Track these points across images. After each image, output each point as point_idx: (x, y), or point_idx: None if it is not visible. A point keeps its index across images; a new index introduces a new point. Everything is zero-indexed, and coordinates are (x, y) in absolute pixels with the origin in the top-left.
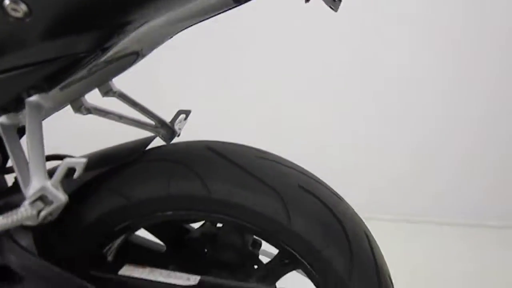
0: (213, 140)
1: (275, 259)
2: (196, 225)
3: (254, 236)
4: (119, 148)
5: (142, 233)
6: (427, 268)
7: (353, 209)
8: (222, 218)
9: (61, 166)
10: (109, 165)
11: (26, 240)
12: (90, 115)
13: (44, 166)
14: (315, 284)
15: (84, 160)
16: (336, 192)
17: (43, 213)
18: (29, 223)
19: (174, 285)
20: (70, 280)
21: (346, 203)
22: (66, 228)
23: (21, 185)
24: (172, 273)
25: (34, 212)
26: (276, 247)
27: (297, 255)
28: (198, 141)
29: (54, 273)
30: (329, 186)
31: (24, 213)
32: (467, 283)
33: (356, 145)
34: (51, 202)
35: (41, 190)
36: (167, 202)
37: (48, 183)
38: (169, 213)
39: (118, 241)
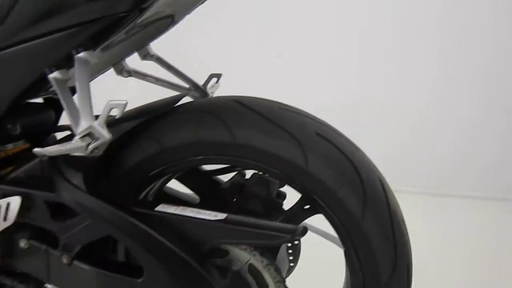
0: (239, 95)
1: (296, 205)
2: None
3: (280, 189)
4: (154, 103)
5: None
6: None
7: (369, 158)
8: (245, 162)
9: (105, 107)
10: (145, 117)
11: (77, 179)
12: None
13: (91, 109)
14: (333, 226)
15: (125, 101)
16: (353, 143)
17: (91, 147)
18: (79, 153)
19: (203, 219)
20: (116, 214)
21: (363, 153)
22: (110, 172)
23: (72, 126)
24: (202, 211)
25: (84, 144)
26: (296, 189)
27: (315, 196)
28: (226, 96)
29: (102, 207)
30: (346, 137)
31: (76, 144)
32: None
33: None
34: (97, 138)
35: (88, 128)
36: (197, 147)
37: (95, 123)
38: (199, 157)
39: (155, 188)
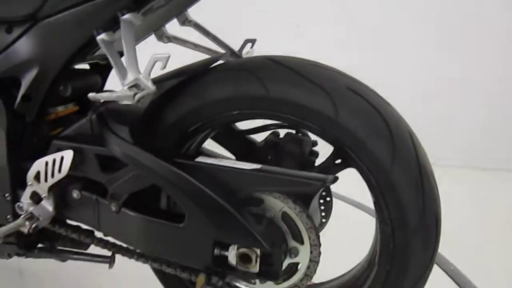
0: (265, 55)
1: (327, 160)
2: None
3: (312, 148)
4: (192, 65)
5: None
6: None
7: (399, 114)
8: (278, 115)
9: (150, 60)
10: (185, 76)
11: (124, 133)
12: None
13: (137, 64)
14: (363, 177)
15: (168, 54)
16: (384, 98)
17: (137, 96)
18: (127, 101)
19: (240, 168)
20: (160, 164)
21: (393, 108)
22: (153, 127)
23: (120, 80)
24: (238, 162)
25: (131, 93)
26: (328, 141)
27: (345, 147)
28: (259, 55)
29: (147, 158)
30: (377, 93)
31: (124, 92)
32: None
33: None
34: (143, 89)
35: (135, 80)
36: (233, 102)
37: (140, 75)
38: (235, 112)
39: (193, 145)
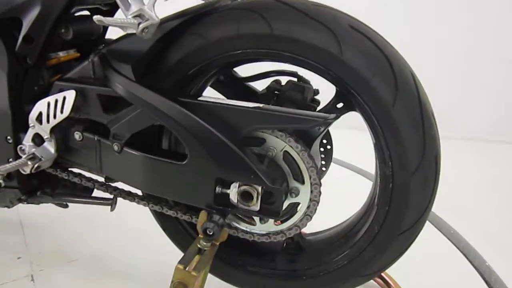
0: None
1: (329, 104)
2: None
3: (314, 97)
4: (194, 6)
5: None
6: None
7: (401, 55)
8: (282, 54)
9: None
10: (188, 16)
11: (126, 71)
12: None
13: None
14: (364, 118)
15: None
16: (385, 38)
17: (141, 25)
18: (131, 30)
19: (243, 106)
20: (163, 102)
21: (395, 49)
22: (156, 67)
23: (124, 12)
24: (240, 101)
25: (135, 21)
26: (330, 81)
27: (348, 86)
28: None
29: (151, 96)
30: (378, 33)
31: (129, 20)
32: None
33: None
34: (147, 19)
35: (139, 10)
36: (237, 41)
37: (145, 6)
38: (239, 51)
39: (196, 88)
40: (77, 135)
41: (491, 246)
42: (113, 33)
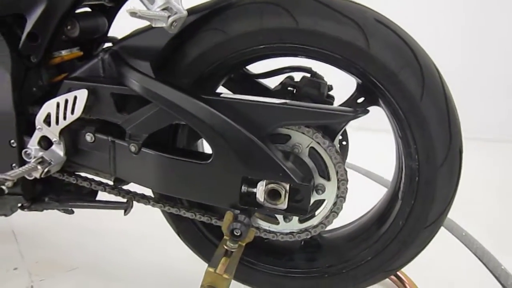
0: None
1: (349, 99)
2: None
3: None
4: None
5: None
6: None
7: (422, 47)
8: (307, 49)
9: None
10: (207, 11)
11: (145, 68)
12: None
13: None
14: (390, 112)
15: None
16: (407, 32)
17: (171, 18)
18: (160, 23)
19: (268, 102)
20: (186, 99)
21: (418, 42)
22: (175, 64)
23: (147, 6)
24: (264, 98)
25: (165, 14)
26: (355, 75)
27: (375, 80)
28: None
29: (173, 94)
30: (401, 27)
31: (159, 12)
32: None
33: None
34: (175, 13)
35: (166, 3)
36: (260, 35)
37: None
38: (262, 46)
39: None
40: (89, 137)
41: (505, 249)
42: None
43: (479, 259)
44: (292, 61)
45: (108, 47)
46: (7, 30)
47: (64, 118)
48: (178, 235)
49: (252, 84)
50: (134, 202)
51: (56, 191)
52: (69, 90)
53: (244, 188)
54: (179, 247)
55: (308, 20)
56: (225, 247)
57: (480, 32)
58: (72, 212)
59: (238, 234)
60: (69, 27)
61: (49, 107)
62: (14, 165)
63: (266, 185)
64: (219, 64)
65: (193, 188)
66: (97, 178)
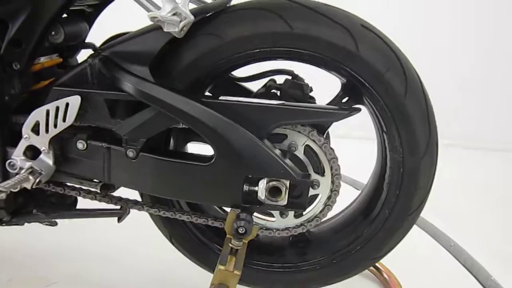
0: None
1: (335, 99)
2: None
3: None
4: (207, 5)
5: None
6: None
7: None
8: (300, 52)
9: None
10: (201, 16)
11: (144, 73)
12: None
13: None
14: (375, 110)
15: None
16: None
17: (181, 24)
18: (172, 29)
19: (267, 103)
20: (187, 103)
21: (398, 47)
22: (170, 68)
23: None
24: (259, 99)
25: (178, 19)
26: (344, 76)
27: (362, 80)
28: None
29: (173, 97)
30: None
31: (171, 17)
32: None
33: None
34: (184, 18)
35: (174, 8)
36: (255, 40)
37: (179, 5)
38: (256, 50)
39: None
40: (81, 144)
41: (495, 259)
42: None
43: (468, 270)
44: (273, 65)
45: (96, 53)
46: None
47: (55, 126)
48: (171, 239)
49: (234, 87)
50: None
51: (37, 203)
52: (58, 98)
53: (246, 187)
54: (166, 253)
55: (302, 25)
56: (230, 245)
57: (490, 41)
58: (56, 223)
59: (243, 231)
60: (53, 33)
61: (37, 115)
62: None
63: (267, 183)
64: (213, 68)
65: (195, 190)
66: (85, 187)
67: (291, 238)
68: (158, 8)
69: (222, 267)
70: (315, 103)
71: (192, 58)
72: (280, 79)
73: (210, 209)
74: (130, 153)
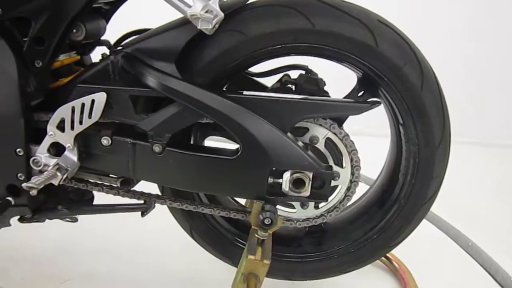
0: None
1: (351, 93)
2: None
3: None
4: (227, 2)
5: None
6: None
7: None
8: (321, 47)
9: None
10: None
11: (171, 69)
12: None
13: None
14: (394, 103)
15: None
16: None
17: (214, 21)
18: (206, 25)
19: (291, 98)
20: (214, 98)
21: (412, 41)
22: (193, 64)
23: (181, 10)
24: (281, 94)
25: (211, 16)
26: (363, 70)
27: (381, 73)
28: None
29: (200, 93)
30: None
31: (206, 14)
32: None
33: None
34: (215, 16)
35: (205, 6)
36: (277, 36)
37: (209, 2)
38: (278, 46)
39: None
40: (105, 140)
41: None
42: None
43: (486, 270)
44: (285, 60)
45: (117, 50)
46: (8, 34)
47: (80, 122)
48: (191, 233)
49: (250, 83)
50: None
51: (57, 199)
52: (82, 95)
53: (270, 179)
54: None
55: (323, 22)
56: (257, 236)
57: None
58: (77, 219)
59: (269, 222)
60: (74, 31)
61: (63, 112)
62: (20, 175)
63: (291, 175)
64: (235, 64)
65: (221, 182)
66: (107, 183)
67: (307, 229)
68: (188, 6)
69: (252, 257)
70: (329, 96)
71: (215, 55)
72: (293, 74)
73: (225, 201)
74: (157, 148)
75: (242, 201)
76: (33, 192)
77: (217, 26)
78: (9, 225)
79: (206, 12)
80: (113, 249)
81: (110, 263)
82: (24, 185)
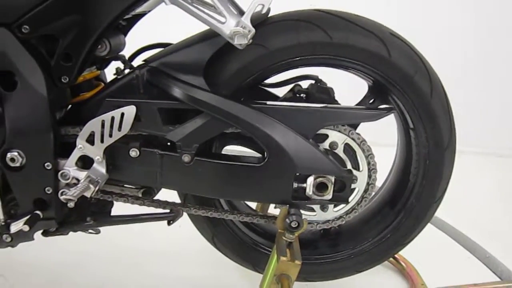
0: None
1: (362, 101)
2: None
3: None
4: None
5: None
6: None
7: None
8: (338, 59)
9: (252, 4)
10: None
11: (198, 82)
12: None
13: (231, 9)
14: (406, 108)
15: None
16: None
17: (249, 35)
18: (240, 41)
19: (314, 107)
20: (241, 108)
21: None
22: (215, 76)
23: (214, 27)
24: (303, 103)
25: (246, 31)
26: (376, 79)
27: (393, 82)
28: (303, 9)
29: (228, 104)
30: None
31: (241, 29)
32: None
33: None
34: (249, 31)
35: (239, 23)
36: (297, 49)
37: (242, 18)
38: (297, 58)
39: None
40: (134, 152)
41: None
42: None
43: (490, 269)
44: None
45: (141, 65)
46: (36, 51)
47: (110, 135)
48: (213, 240)
49: (263, 93)
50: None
51: (80, 211)
52: (111, 109)
53: (295, 184)
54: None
55: (340, 35)
56: (284, 238)
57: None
58: (99, 231)
59: (296, 225)
60: (99, 46)
61: (92, 125)
62: (47, 188)
63: (315, 179)
64: (256, 76)
65: (248, 189)
66: (131, 193)
67: (321, 231)
68: (220, 22)
69: (284, 258)
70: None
71: (238, 67)
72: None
73: (242, 207)
74: (186, 158)
75: (253, 205)
76: (71, 204)
77: (250, 41)
78: (33, 239)
79: (243, 27)
80: (128, 259)
81: (126, 274)
82: (62, 197)
